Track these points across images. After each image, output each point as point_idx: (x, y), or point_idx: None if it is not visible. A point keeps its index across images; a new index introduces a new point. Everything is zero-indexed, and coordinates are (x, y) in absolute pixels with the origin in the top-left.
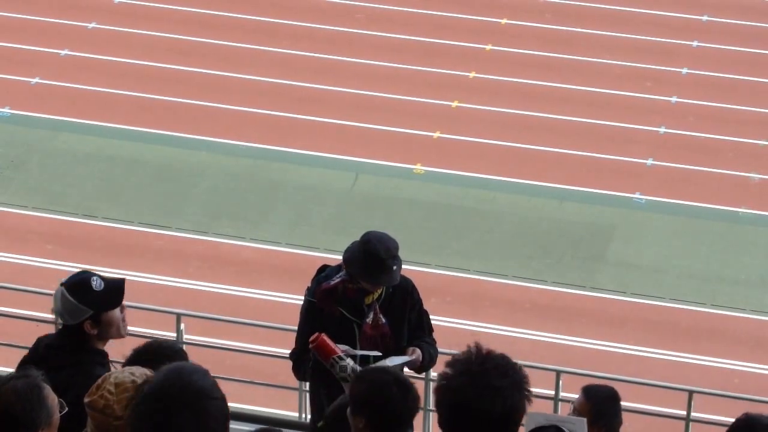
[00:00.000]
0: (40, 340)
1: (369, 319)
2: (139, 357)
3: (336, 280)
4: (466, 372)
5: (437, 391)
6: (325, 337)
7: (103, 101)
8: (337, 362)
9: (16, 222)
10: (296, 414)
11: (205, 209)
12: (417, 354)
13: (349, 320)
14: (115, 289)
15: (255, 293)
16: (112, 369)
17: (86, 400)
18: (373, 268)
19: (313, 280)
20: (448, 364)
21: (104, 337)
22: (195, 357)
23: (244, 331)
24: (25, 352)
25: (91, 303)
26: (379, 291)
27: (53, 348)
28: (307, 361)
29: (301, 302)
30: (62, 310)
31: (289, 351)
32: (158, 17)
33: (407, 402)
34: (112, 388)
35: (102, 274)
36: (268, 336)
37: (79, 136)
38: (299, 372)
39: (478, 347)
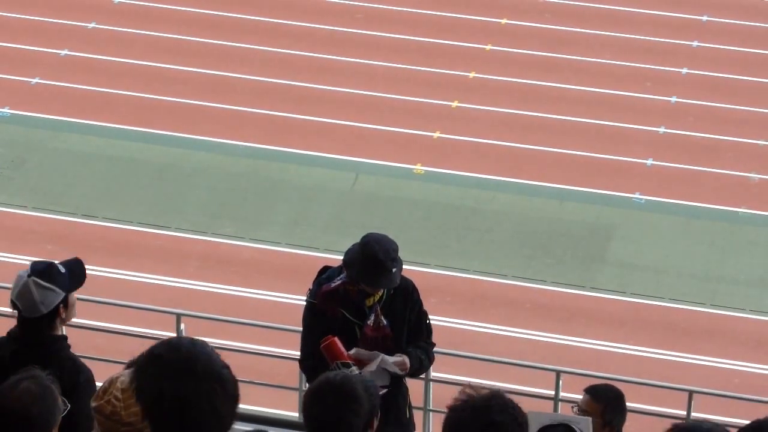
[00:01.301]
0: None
1: (370, 321)
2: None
3: (337, 282)
4: (469, 408)
5: (444, 428)
6: (336, 340)
7: (103, 101)
8: (340, 367)
9: (16, 222)
10: (296, 414)
11: (204, 209)
12: (405, 362)
13: (351, 322)
14: (78, 268)
15: (255, 293)
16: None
17: (93, 404)
18: (372, 271)
19: (314, 281)
20: (453, 402)
21: (67, 320)
22: None
23: (244, 331)
24: None
25: (62, 285)
26: (381, 292)
27: (25, 347)
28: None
29: (302, 303)
30: (39, 300)
31: (289, 351)
32: (158, 17)
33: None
34: (119, 394)
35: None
36: (268, 336)
37: (78, 136)
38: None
39: (480, 388)
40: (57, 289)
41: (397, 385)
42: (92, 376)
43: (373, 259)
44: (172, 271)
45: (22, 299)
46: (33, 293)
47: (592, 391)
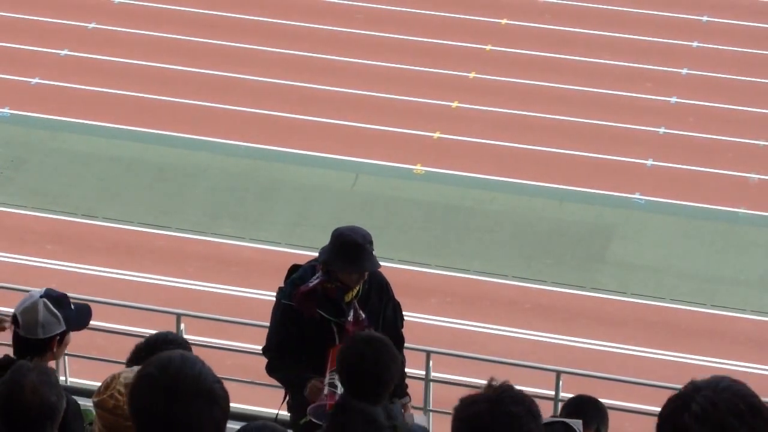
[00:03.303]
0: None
1: (350, 317)
2: (148, 349)
3: (314, 281)
4: (482, 400)
5: (454, 420)
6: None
7: (103, 101)
8: (334, 375)
9: (16, 222)
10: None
11: (205, 209)
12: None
13: (328, 321)
14: (86, 313)
15: (255, 293)
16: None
17: (94, 399)
18: (354, 257)
19: (286, 281)
20: (465, 397)
21: (56, 357)
22: None
23: (244, 331)
24: None
25: (68, 320)
26: (358, 288)
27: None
28: (289, 367)
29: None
30: (41, 322)
31: None
32: (158, 17)
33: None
34: (122, 389)
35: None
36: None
37: (78, 136)
38: (276, 372)
39: (493, 380)
40: (61, 320)
41: None
42: (79, 406)
43: (353, 244)
44: (172, 271)
45: (25, 315)
46: (39, 313)
47: (577, 413)
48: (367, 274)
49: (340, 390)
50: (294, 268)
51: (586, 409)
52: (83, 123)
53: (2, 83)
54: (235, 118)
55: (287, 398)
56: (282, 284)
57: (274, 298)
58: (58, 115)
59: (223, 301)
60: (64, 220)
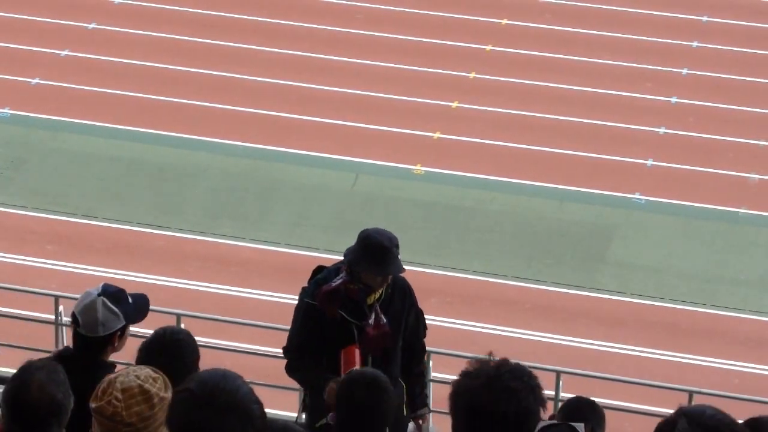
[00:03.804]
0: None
1: (371, 320)
2: (151, 348)
3: (337, 281)
4: (482, 375)
5: (453, 395)
6: (357, 350)
7: (103, 101)
8: None
9: (16, 222)
10: (296, 414)
11: (204, 209)
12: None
13: (349, 322)
14: (144, 304)
15: (255, 293)
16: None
17: (93, 405)
18: (380, 259)
19: (309, 281)
20: (464, 371)
21: (118, 350)
22: None
23: (244, 331)
24: (25, 352)
25: (127, 315)
26: (380, 291)
27: (74, 369)
28: (309, 368)
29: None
30: (101, 320)
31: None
32: (158, 18)
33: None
34: (119, 395)
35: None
36: (267, 336)
37: (79, 136)
38: (295, 372)
39: (492, 355)
40: (120, 316)
41: (395, 380)
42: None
43: (379, 247)
44: (171, 272)
45: (85, 315)
46: (98, 312)
47: (576, 417)
48: (390, 278)
49: None
50: (319, 269)
51: (583, 410)
52: (83, 123)
53: (2, 83)
54: (235, 118)
55: (305, 399)
56: (305, 284)
57: (297, 299)
58: (58, 116)
59: (222, 302)
60: (64, 220)
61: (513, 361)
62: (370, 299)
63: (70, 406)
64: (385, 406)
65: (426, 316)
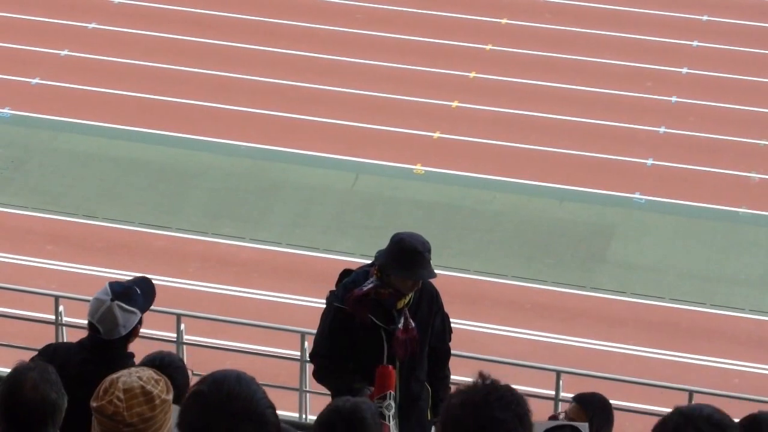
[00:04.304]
0: (61, 351)
1: (401, 324)
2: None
3: (368, 285)
4: (468, 403)
5: (440, 424)
6: (393, 370)
7: (104, 102)
8: (387, 399)
9: (17, 222)
10: (296, 414)
11: (205, 209)
12: None
13: (377, 327)
14: (150, 289)
15: (255, 293)
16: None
17: (93, 404)
18: (412, 264)
19: (338, 285)
20: (452, 396)
21: (136, 338)
22: (195, 357)
23: (244, 331)
24: (25, 352)
25: (140, 307)
26: (410, 296)
27: (91, 363)
28: (339, 374)
29: (303, 305)
30: (122, 324)
31: (289, 351)
32: (158, 18)
33: None
34: (121, 395)
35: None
36: (267, 336)
37: (79, 136)
38: (325, 379)
39: (483, 378)
40: (137, 312)
41: (420, 389)
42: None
43: (412, 251)
44: (172, 272)
45: (104, 323)
46: (117, 317)
47: (580, 400)
48: (420, 282)
49: (388, 420)
50: (345, 273)
51: (594, 405)
52: (84, 123)
53: (3, 83)
54: (235, 118)
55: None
56: (333, 288)
57: (324, 303)
58: (58, 116)
59: (223, 302)
60: (65, 220)
61: (504, 383)
62: (400, 304)
63: (64, 405)
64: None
65: None
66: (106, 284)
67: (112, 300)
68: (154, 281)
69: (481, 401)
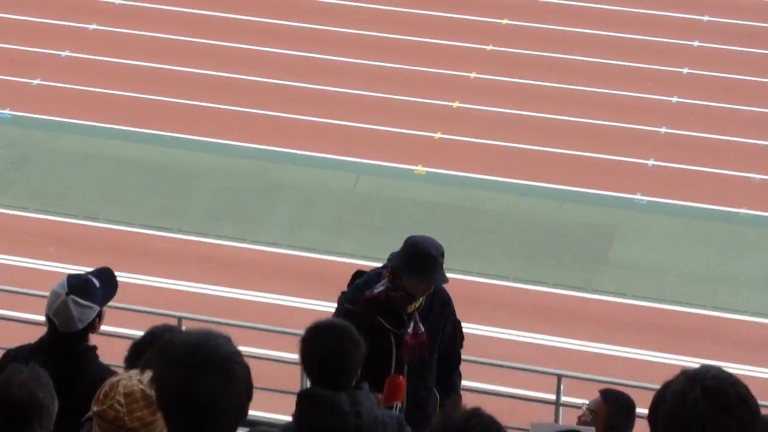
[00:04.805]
0: (19, 355)
1: (410, 328)
2: (140, 347)
3: (379, 288)
4: (449, 428)
5: None
6: (403, 381)
7: (104, 103)
8: (394, 409)
9: (17, 224)
10: None
11: (205, 211)
12: None
13: (387, 330)
14: (110, 280)
15: (256, 295)
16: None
17: (95, 409)
18: (426, 267)
19: (350, 286)
20: (434, 426)
21: (97, 331)
22: None
23: (245, 333)
24: None
25: (97, 300)
26: (421, 299)
27: (57, 357)
28: None
29: (304, 307)
30: (77, 317)
31: (290, 354)
32: (159, 19)
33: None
34: (121, 399)
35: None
36: (269, 339)
37: (80, 137)
38: None
39: (464, 410)
40: (94, 306)
41: (428, 396)
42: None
43: (426, 255)
44: (172, 273)
45: (59, 316)
46: (71, 311)
47: (605, 393)
48: (432, 287)
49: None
50: (358, 275)
51: (618, 402)
52: (84, 124)
53: (3, 84)
54: (236, 119)
55: None
56: (344, 290)
57: (336, 304)
58: (59, 116)
59: (224, 304)
60: (65, 221)
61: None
62: (411, 308)
63: (54, 409)
64: (351, 350)
65: None
66: (65, 277)
67: (68, 294)
68: (154, 282)
69: (461, 428)
